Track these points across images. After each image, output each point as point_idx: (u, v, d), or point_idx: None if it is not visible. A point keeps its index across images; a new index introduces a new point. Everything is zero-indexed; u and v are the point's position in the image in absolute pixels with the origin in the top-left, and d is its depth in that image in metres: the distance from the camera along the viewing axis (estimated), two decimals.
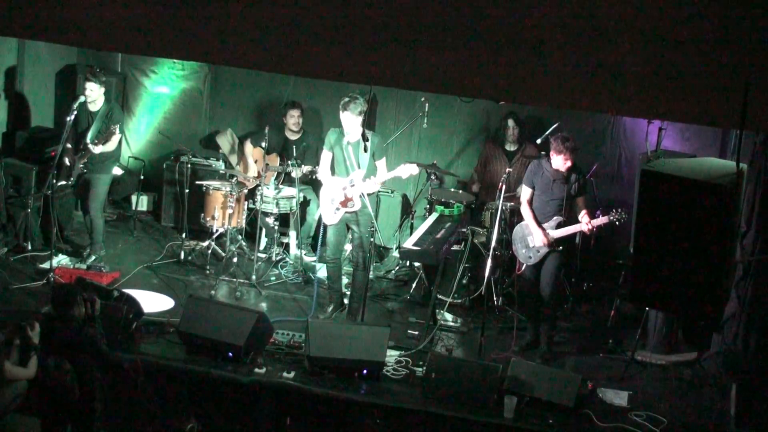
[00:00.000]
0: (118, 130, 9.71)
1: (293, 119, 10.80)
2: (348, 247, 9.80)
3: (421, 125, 10.81)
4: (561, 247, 8.80)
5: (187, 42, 6.51)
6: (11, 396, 7.14)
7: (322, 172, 9.34)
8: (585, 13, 5.59)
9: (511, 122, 10.54)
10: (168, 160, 11.54)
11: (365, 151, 8.85)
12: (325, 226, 9.41)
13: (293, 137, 10.87)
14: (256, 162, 10.90)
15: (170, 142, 11.89)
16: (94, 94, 9.79)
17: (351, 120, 8.95)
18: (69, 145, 9.78)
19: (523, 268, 9.05)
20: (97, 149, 9.65)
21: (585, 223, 8.67)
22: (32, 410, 7.15)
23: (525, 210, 8.92)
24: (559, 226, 8.74)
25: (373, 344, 8.25)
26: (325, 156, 9.29)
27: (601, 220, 8.74)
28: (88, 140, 9.71)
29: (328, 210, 9.24)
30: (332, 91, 11.05)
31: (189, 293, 9.35)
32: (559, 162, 8.62)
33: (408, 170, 8.98)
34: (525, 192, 8.95)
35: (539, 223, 8.81)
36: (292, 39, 6.21)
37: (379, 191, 9.80)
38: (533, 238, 8.84)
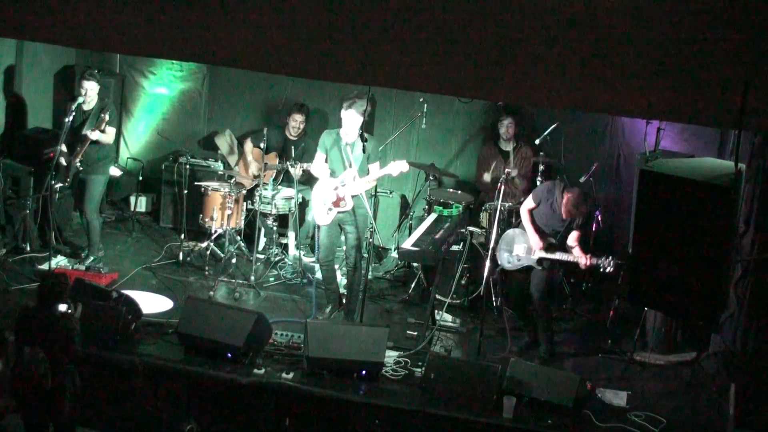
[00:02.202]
0: (108, 116, 9.67)
1: (295, 123, 10.78)
2: (343, 248, 9.78)
3: (420, 126, 10.81)
4: (540, 267, 8.79)
5: (186, 43, 6.52)
6: (10, 396, 7.15)
7: (316, 172, 9.32)
8: (584, 15, 5.60)
9: (507, 120, 10.51)
10: (166, 161, 11.53)
11: (363, 151, 8.84)
12: (318, 227, 9.39)
13: (292, 138, 10.87)
14: (255, 161, 10.91)
15: (169, 143, 11.91)
16: (93, 93, 9.80)
17: (354, 119, 8.93)
18: (64, 148, 9.76)
19: (497, 269, 9.06)
20: (94, 135, 9.62)
21: (582, 257, 8.61)
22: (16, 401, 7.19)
23: (525, 216, 8.89)
24: (550, 246, 8.73)
25: (372, 345, 8.25)
26: (319, 157, 9.27)
27: (595, 261, 8.67)
28: (83, 133, 9.72)
29: (320, 210, 9.22)
30: (330, 92, 11.06)
31: (188, 294, 9.34)
32: (564, 212, 8.62)
33: (398, 167, 8.94)
34: (528, 202, 8.90)
35: (538, 230, 8.80)
36: (291, 40, 6.21)
37: (378, 192, 9.78)
38: (520, 246, 8.84)
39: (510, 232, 9.06)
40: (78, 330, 7.20)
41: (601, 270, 8.66)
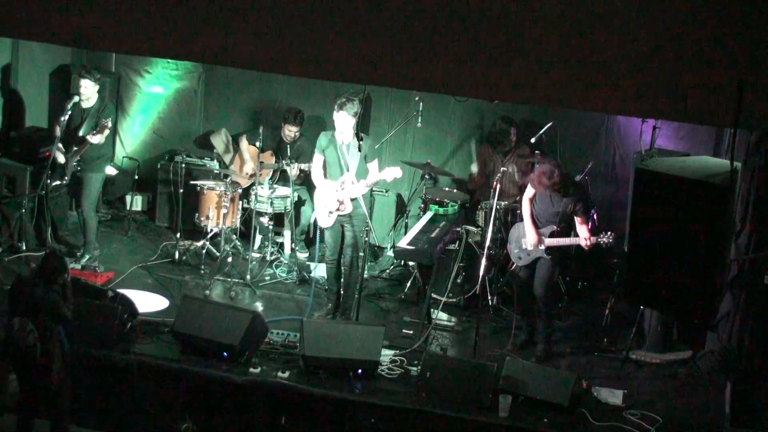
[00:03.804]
0: (110, 123, 9.70)
1: (289, 133, 10.76)
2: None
3: (416, 125, 10.79)
4: (550, 256, 8.79)
5: (183, 42, 6.51)
6: (6, 396, 7.19)
7: (315, 176, 9.34)
8: (579, 13, 5.60)
9: (513, 129, 10.52)
10: (162, 160, 11.53)
11: (359, 150, 8.85)
12: (321, 229, 9.42)
13: (287, 141, 10.86)
14: (251, 159, 10.91)
15: (164, 142, 11.91)
16: (88, 92, 9.79)
17: (345, 120, 8.96)
18: (61, 146, 9.76)
19: (515, 266, 9.08)
20: (96, 139, 9.62)
21: (584, 238, 8.63)
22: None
23: (525, 208, 8.91)
24: (552, 235, 8.73)
25: (368, 343, 8.25)
26: (317, 159, 9.29)
27: (594, 240, 8.67)
28: (81, 134, 9.71)
29: (322, 214, 9.25)
30: (326, 92, 11.03)
31: (183, 293, 9.34)
32: (541, 186, 8.64)
33: (392, 173, 8.97)
34: (528, 191, 8.92)
35: (535, 224, 8.81)
36: (289, 39, 6.21)
37: (373, 191, 9.79)
38: (526, 240, 8.85)
39: (515, 228, 9.08)
40: (71, 298, 7.32)
41: (604, 246, 8.69)
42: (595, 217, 10.21)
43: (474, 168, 10.82)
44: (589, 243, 8.65)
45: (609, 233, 8.62)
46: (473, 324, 9.09)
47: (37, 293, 7.12)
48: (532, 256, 8.84)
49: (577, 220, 8.72)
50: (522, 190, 9.49)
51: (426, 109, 10.70)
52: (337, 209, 9.09)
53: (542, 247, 8.74)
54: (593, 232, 8.87)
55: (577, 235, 8.74)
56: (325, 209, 9.19)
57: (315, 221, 9.87)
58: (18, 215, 10.11)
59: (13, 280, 7.56)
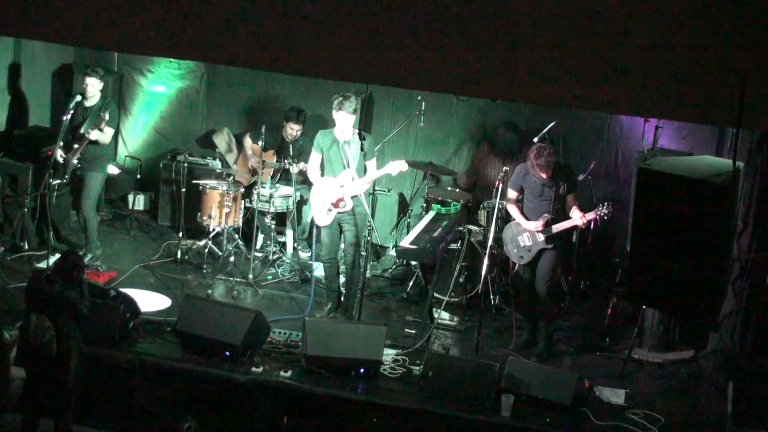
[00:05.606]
0: (108, 117, 9.68)
1: (291, 131, 10.76)
2: (342, 245, 9.78)
3: (418, 124, 10.80)
4: (552, 245, 8.76)
5: (186, 41, 6.51)
6: (9, 395, 7.19)
7: (312, 174, 9.32)
8: (581, 13, 5.60)
9: (519, 137, 10.53)
10: (165, 160, 11.53)
11: (361, 149, 8.83)
12: (318, 227, 9.40)
13: (289, 140, 10.86)
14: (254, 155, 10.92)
15: (167, 141, 11.91)
16: (93, 90, 9.81)
17: (345, 119, 8.94)
18: (61, 146, 9.76)
19: (517, 267, 9.07)
20: (94, 135, 9.62)
21: (579, 216, 8.62)
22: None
23: (512, 209, 8.91)
24: (547, 224, 8.71)
25: (370, 343, 8.25)
26: (314, 158, 9.25)
27: (591, 215, 8.68)
28: (82, 131, 9.72)
29: (320, 212, 9.21)
30: (328, 92, 11.00)
31: (186, 292, 9.35)
32: (537, 174, 8.63)
33: (397, 167, 8.95)
34: (510, 194, 8.93)
35: (527, 219, 8.81)
36: (291, 39, 6.21)
37: (376, 190, 9.77)
38: (524, 237, 8.83)
39: (507, 229, 9.05)
40: (87, 294, 7.38)
41: (603, 218, 8.67)
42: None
43: (464, 181, 10.85)
44: (584, 220, 8.62)
45: (605, 203, 8.58)
46: (475, 323, 9.09)
47: (55, 290, 7.15)
48: (533, 251, 8.82)
49: (569, 198, 8.72)
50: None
51: (428, 108, 10.70)
52: (336, 206, 9.06)
53: (541, 239, 8.72)
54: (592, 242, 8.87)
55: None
56: (323, 207, 9.15)
57: (312, 220, 9.85)
58: (20, 214, 10.12)
59: (30, 277, 7.58)
